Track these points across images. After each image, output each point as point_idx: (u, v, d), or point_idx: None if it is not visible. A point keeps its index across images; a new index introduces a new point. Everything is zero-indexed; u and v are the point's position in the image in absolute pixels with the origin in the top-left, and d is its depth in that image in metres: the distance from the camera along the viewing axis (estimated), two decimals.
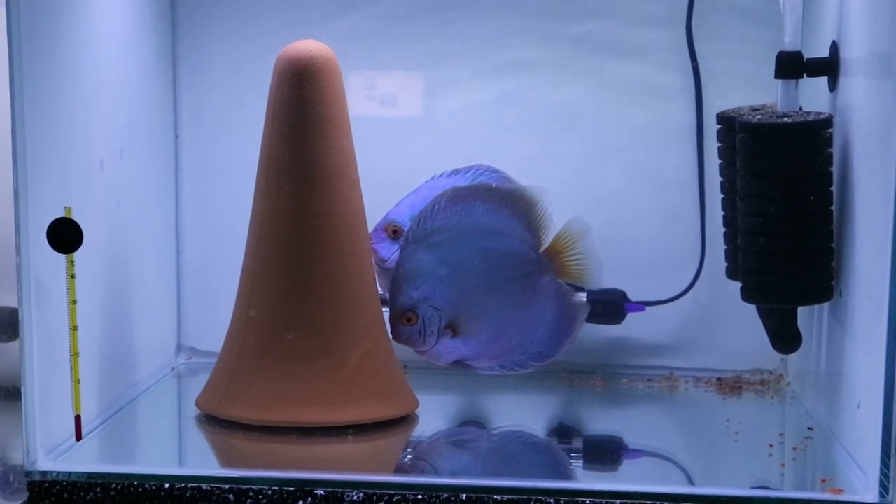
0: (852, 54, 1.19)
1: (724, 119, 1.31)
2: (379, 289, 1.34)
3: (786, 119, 1.19)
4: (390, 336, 1.32)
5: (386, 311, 1.33)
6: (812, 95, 1.30)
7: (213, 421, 1.28)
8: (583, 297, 1.39)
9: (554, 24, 1.47)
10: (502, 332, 1.33)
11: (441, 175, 1.40)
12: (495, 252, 1.32)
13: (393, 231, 1.39)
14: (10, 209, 1.08)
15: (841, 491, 1.08)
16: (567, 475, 1.22)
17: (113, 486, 1.11)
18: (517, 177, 1.43)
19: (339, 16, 1.48)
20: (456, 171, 1.40)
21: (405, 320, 1.31)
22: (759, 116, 1.21)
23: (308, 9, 1.48)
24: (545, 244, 1.34)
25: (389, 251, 1.39)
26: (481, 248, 1.31)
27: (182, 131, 1.52)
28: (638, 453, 1.26)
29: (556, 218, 1.35)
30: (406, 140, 1.50)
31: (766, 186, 1.18)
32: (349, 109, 1.29)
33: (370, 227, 1.34)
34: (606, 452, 1.28)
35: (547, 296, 1.34)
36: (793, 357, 1.42)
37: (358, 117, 1.41)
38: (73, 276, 1.13)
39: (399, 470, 1.20)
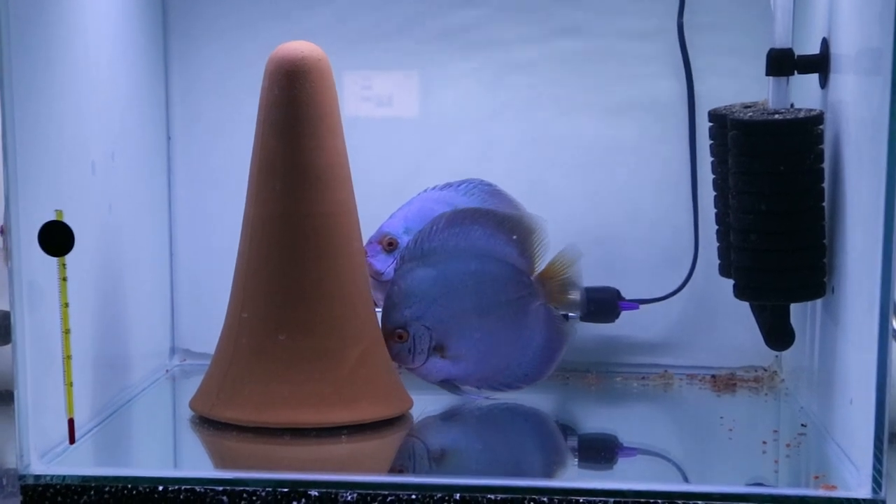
0: (843, 51, 1.19)
1: (716, 117, 1.31)
2: (374, 301, 1.34)
3: (777, 116, 1.19)
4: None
5: (379, 311, 1.34)
6: (803, 92, 1.30)
7: (206, 423, 1.28)
8: (571, 322, 1.39)
9: (548, 24, 1.47)
10: (491, 354, 1.34)
11: (434, 188, 1.40)
12: (489, 275, 1.33)
13: (388, 244, 1.39)
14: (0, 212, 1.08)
15: (834, 487, 1.08)
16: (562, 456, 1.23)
17: (107, 488, 1.11)
18: (512, 176, 1.44)
19: (332, 17, 1.48)
20: (448, 185, 1.40)
21: (396, 337, 1.32)
22: (750, 114, 1.21)
23: (301, 10, 1.48)
24: (539, 270, 1.35)
25: (385, 264, 1.39)
26: (476, 271, 1.32)
27: (174, 133, 1.52)
28: (632, 451, 1.26)
29: (552, 223, 1.35)
30: (401, 141, 1.50)
31: (757, 183, 1.18)
32: (342, 110, 1.29)
33: (364, 239, 1.34)
34: (601, 451, 1.28)
35: (537, 320, 1.35)
36: (787, 354, 1.42)
37: (352, 118, 1.41)
38: (65, 279, 1.13)
39: (393, 470, 1.20)
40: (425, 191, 1.41)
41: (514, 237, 1.33)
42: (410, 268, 1.32)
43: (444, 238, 1.32)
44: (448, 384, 1.35)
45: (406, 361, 1.33)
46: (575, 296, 1.35)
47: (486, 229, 1.33)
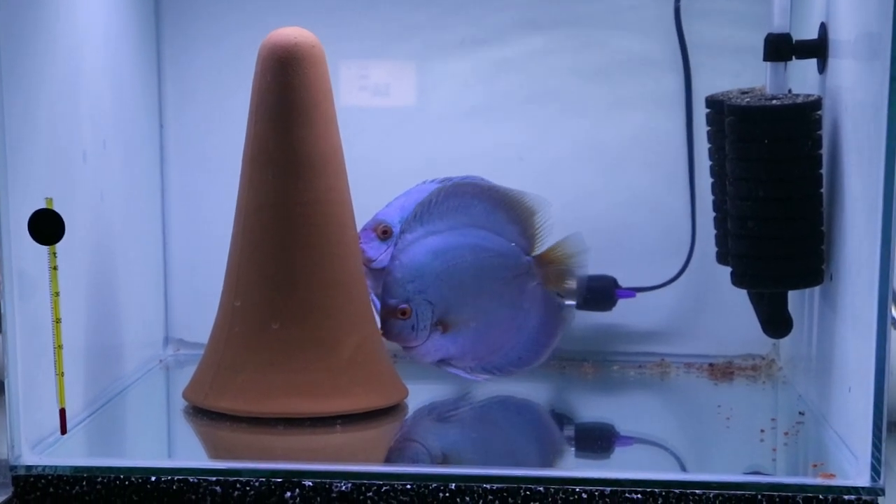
0: (841, 36, 1.18)
1: (713, 103, 1.30)
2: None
3: (774, 102, 1.18)
4: (380, 331, 1.31)
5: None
6: (801, 77, 1.29)
7: (200, 413, 1.27)
8: (570, 304, 1.39)
9: (546, 14, 1.46)
10: (489, 333, 1.33)
11: (433, 181, 1.39)
12: (488, 252, 1.32)
13: (382, 231, 1.38)
14: None
15: (832, 475, 1.08)
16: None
17: (99, 479, 1.10)
18: (509, 166, 1.44)
19: (328, 4, 1.46)
20: (448, 179, 1.39)
21: (399, 314, 1.30)
22: (747, 99, 1.20)
23: None
24: (538, 251, 1.34)
25: (378, 251, 1.38)
26: (475, 247, 1.32)
27: (167, 121, 1.51)
28: (629, 440, 1.26)
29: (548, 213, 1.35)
30: (398, 131, 1.49)
31: (754, 170, 1.18)
32: (337, 99, 1.28)
33: (359, 226, 1.33)
34: (598, 440, 1.28)
35: (533, 301, 1.34)
36: (784, 342, 1.42)
37: (349, 107, 1.41)
38: (55, 268, 1.12)
39: (388, 459, 1.19)
40: (424, 182, 1.40)
41: (515, 215, 1.32)
42: (411, 241, 1.30)
43: (444, 211, 1.31)
44: (445, 363, 1.33)
45: (408, 339, 1.31)
46: (571, 283, 1.34)
47: (487, 205, 1.32)
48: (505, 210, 1.33)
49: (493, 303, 1.32)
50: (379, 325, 1.31)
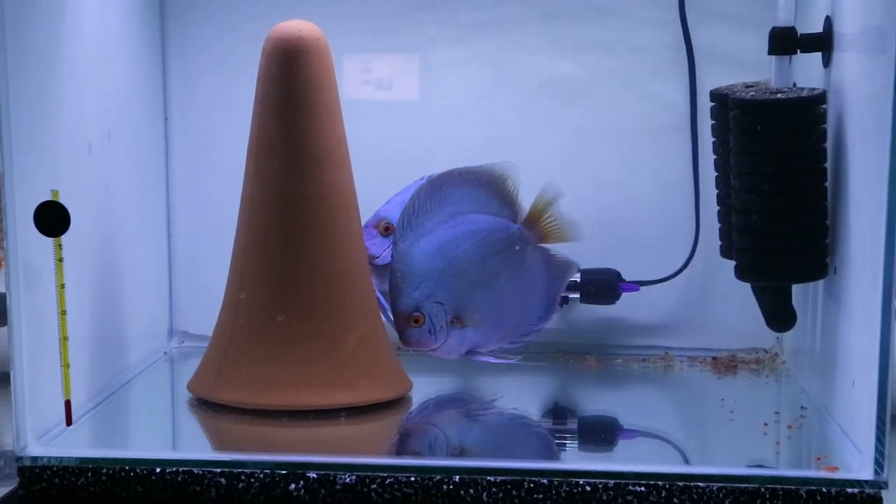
0: (846, 29, 1.18)
1: (718, 96, 1.30)
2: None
3: (779, 95, 1.18)
4: (399, 342, 1.31)
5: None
6: (806, 71, 1.28)
7: (204, 405, 1.27)
8: (572, 263, 1.39)
9: (549, 7, 1.46)
10: (504, 310, 1.33)
11: (431, 176, 1.39)
12: (481, 233, 1.32)
13: (385, 228, 1.39)
14: None
15: (836, 469, 1.08)
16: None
17: (104, 470, 1.10)
18: (512, 160, 1.43)
19: None
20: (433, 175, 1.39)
21: (412, 322, 1.30)
22: (752, 93, 1.20)
23: None
24: (522, 215, 1.34)
25: (381, 248, 1.38)
26: (468, 233, 1.32)
27: (172, 114, 1.50)
28: (633, 433, 1.25)
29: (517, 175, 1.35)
30: (401, 125, 1.49)
31: (759, 163, 1.17)
32: (342, 92, 1.28)
33: (364, 218, 1.33)
34: (601, 433, 1.28)
35: (535, 263, 1.35)
36: (788, 335, 1.42)
37: (353, 101, 1.40)
38: (60, 260, 1.12)
39: (392, 452, 1.19)
40: (422, 178, 1.40)
41: (492, 188, 1.33)
42: (406, 248, 1.31)
43: (430, 209, 1.31)
44: (473, 353, 1.33)
45: (428, 343, 1.31)
46: (569, 231, 1.34)
47: (465, 189, 1.32)
48: (482, 187, 1.33)
49: (501, 280, 1.32)
50: (396, 336, 1.31)
